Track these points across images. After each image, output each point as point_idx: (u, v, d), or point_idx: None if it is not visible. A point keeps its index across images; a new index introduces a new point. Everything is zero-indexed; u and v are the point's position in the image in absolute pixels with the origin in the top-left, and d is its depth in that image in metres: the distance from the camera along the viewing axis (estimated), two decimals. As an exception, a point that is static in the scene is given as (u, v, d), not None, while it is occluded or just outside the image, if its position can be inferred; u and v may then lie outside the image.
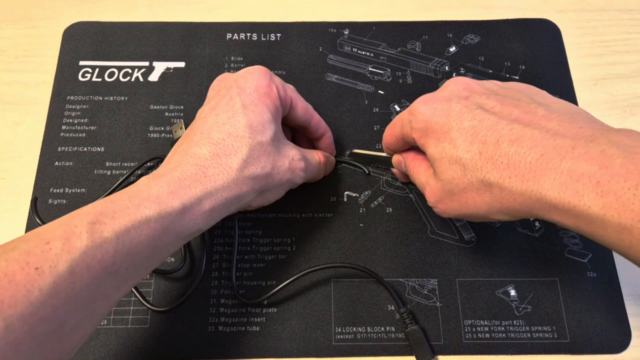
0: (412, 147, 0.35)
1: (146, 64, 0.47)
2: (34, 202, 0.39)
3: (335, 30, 0.48)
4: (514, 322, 0.37)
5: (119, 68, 0.46)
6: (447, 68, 0.46)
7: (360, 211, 0.41)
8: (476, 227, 0.40)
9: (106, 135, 0.43)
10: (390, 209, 0.41)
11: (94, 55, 0.47)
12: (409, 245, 0.40)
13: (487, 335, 0.37)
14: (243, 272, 0.39)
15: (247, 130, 0.31)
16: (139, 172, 0.42)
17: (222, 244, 0.40)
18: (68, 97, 0.45)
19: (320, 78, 0.46)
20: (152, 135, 0.44)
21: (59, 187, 0.41)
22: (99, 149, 0.43)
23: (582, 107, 0.29)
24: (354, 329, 0.37)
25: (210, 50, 0.47)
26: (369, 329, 0.37)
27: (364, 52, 0.47)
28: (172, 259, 0.39)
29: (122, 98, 0.45)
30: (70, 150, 0.43)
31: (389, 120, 0.44)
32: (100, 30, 0.48)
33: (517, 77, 0.46)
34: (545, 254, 0.39)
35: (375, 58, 0.47)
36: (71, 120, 0.44)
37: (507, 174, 0.26)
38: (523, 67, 0.46)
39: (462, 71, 0.46)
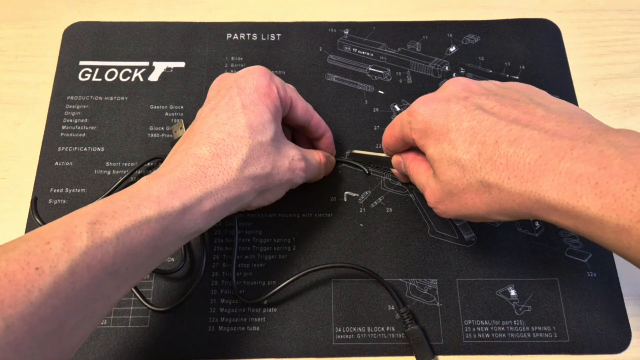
0: (412, 147, 0.35)
1: (146, 64, 0.47)
2: (34, 202, 0.39)
3: (335, 30, 0.48)
4: (514, 322, 0.37)
5: (119, 68, 0.46)
6: (447, 68, 0.46)
7: (360, 211, 0.41)
8: (476, 227, 0.40)
9: (106, 135, 0.43)
10: (390, 209, 0.41)
11: (94, 55, 0.47)
12: (409, 245, 0.40)
13: (487, 335, 0.37)
14: (243, 272, 0.39)
15: (247, 130, 0.31)
16: (139, 172, 0.42)
17: (222, 244, 0.40)
18: (68, 97, 0.45)
19: (320, 78, 0.46)
20: (152, 135, 0.44)
21: (59, 187, 0.42)
22: (99, 149, 0.43)
23: (582, 107, 0.29)
24: (354, 329, 0.37)
25: (210, 50, 0.47)
26: (369, 329, 0.37)
27: (364, 52, 0.47)
28: (172, 259, 0.39)
29: (122, 98, 0.45)
30: (70, 150, 0.43)
31: (389, 120, 0.44)
32: (100, 30, 0.48)
33: (517, 77, 0.46)
34: (545, 254, 0.39)
35: (375, 58, 0.47)
36: (71, 120, 0.44)
37: (506, 175, 0.26)
38: (523, 67, 0.46)
39: (462, 71, 0.46)
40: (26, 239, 0.23)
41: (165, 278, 0.39)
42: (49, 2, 0.50)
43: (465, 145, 0.28)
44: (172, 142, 0.41)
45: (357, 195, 0.42)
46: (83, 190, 0.41)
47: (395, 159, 0.38)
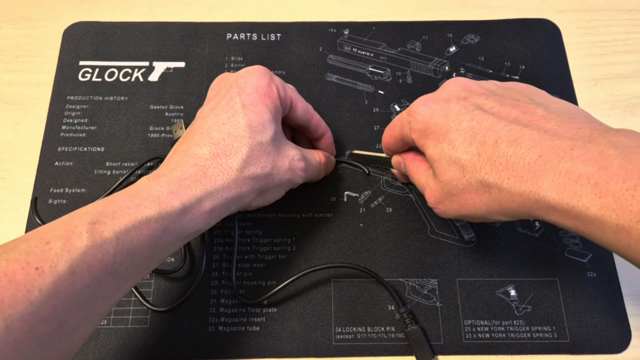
0: (412, 147, 0.35)
1: (146, 64, 0.47)
2: (34, 202, 0.39)
3: (335, 30, 0.48)
4: (514, 322, 0.37)
5: (119, 68, 0.46)
6: (447, 68, 0.46)
7: (360, 211, 0.41)
8: (476, 227, 0.40)
9: (106, 135, 0.43)
10: (390, 209, 0.41)
11: (94, 55, 0.47)
12: (409, 245, 0.40)
13: (487, 335, 0.37)
14: (243, 272, 0.39)
15: (247, 130, 0.31)
16: (139, 172, 0.42)
17: (222, 244, 0.40)
18: (68, 97, 0.45)
19: (320, 78, 0.46)
20: (152, 135, 0.44)
21: (59, 187, 0.42)
22: (99, 149, 0.43)
23: (582, 107, 0.29)
24: (354, 329, 0.37)
25: (210, 50, 0.47)
26: (369, 329, 0.37)
27: (364, 52, 0.47)
28: (172, 259, 0.39)
29: (122, 98, 0.45)
30: (70, 150, 0.43)
31: (389, 120, 0.44)
32: (100, 30, 0.48)
33: (517, 77, 0.46)
34: (545, 254, 0.39)
35: (375, 58, 0.47)
36: (71, 120, 0.44)
37: (505, 175, 0.26)
38: (523, 67, 0.46)
39: (462, 71, 0.46)
40: (26, 238, 0.23)
41: (165, 278, 0.39)
42: (49, 2, 0.50)
43: (465, 146, 0.28)
44: (172, 142, 0.41)
45: (357, 195, 0.42)
46: (83, 190, 0.41)
47: (395, 159, 0.38)
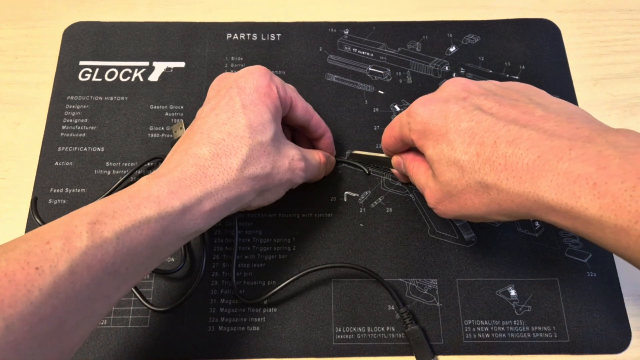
0: (411, 148, 0.35)
1: (146, 64, 0.47)
2: (34, 202, 0.39)
3: (335, 30, 0.48)
4: (514, 322, 0.37)
5: (119, 68, 0.46)
6: (447, 68, 0.46)
7: (360, 211, 0.41)
8: (476, 227, 0.40)
9: (106, 135, 0.43)
10: (390, 209, 0.41)
11: (94, 55, 0.47)
12: (409, 245, 0.40)
13: (487, 335, 0.37)
14: (243, 272, 0.39)
15: (247, 130, 0.31)
16: (139, 172, 0.42)
17: (222, 244, 0.40)
18: (68, 97, 0.45)
19: (320, 78, 0.46)
20: (152, 135, 0.44)
21: (59, 187, 0.42)
22: (99, 149, 0.43)
23: (582, 107, 0.29)
24: (354, 329, 0.37)
25: (210, 50, 0.47)
26: (369, 329, 0.37)
27: (364, 52, 0.47)
28: (172, 259, 0.39)
29: (122, 98, 0.45)
30: (70, 150, 0.43)
31: (389, 120, 0.44)
32: (100, 30, 0.48)
33: (517, 77, 0.46)
34: (545, 254, 0.39)
35: (375, 58, 0.47)
36: (71, 120, 0.44)
37: (504, 176, 0.26)
38: (523, 67, 0.46)
39: (462, 71, 0.46)
40: (26, 238, 0.23)
41: (165, 278, 0.39)
42: (49, 2, 0.50)
43: (464, 146, 0.28)
44: (172, 142, 0.41)
45: (357, 195, 0.42)
46: (83, 190, 0.41)
47: (395, 159, 0.38)
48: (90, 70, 0.46)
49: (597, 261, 0.39)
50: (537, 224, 0.40)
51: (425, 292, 0.38)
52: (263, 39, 0.48)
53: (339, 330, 0.37)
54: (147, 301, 0.37)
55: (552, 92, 0.31)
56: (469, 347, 0.37)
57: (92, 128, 0.44)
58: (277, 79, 0.35)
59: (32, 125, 0.44)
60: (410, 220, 0.41)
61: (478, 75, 0.46)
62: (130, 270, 0.26)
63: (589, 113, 0.27)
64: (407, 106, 0.35)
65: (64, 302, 0.23)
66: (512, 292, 0.38)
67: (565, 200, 0.23)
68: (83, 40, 0.48)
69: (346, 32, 0.48)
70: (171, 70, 0.46)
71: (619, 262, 0.39)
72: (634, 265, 0.22)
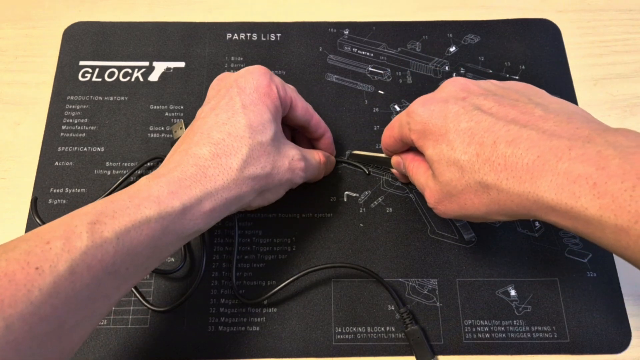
0: (411, 148, 0.35)
1: (146, 64, 0.47)
2: (34, 202, 0.39)
3: (335, 30, 0.48)
4: (514, 322, 0.37)
5: (119, 68, 0.46)
6: (447, 68, 0.46)
7: (360, 211, 0.41)
8: (476, 227, 0.40)
9: (106, 135, 0.44)
10: (390, 209, 0.41)
11: (94, 55, 0.47)
12: (409, 245, 0.40)
13: (487, 335, 0.37)
14: (243, 272, 0.39)
15: (247, 130, 0.31)
16: (139, 172, 0.42)
17: (222, 244, 0.40)
18: (68, 97, 0.45)
19: (320, 78, 0.46)
20: (152, 135, 0.44)
21: (59, 187, 0.42)
22: (99, 149, 0.43)
23: (582, 107, 0.29)
24: (354, 329, 0.37)
25: (210, 50, 0.47)
26: (369, 329, 0.37)
27: (364, 52, 0.47)
28: (172, 259, 0.39)
29: (122, 98, 0.45)
30: (70, 150, 0.43)
31: (389, 120, 0.44)
32: (100, 30, 0.48)
33: (517, 77, 0.46)
34: (545, 254, 0.39)
35: (375, 58, 0.47)
36: (71, 120, 0.44)
37: (504, 176, 0.26)
38: (523, 67, 0.46)
39: (462, 71, 0.46)
40: (26, 238, 0.23)
41: (165, 278, 0.39)
42: (49, 2, 0.50)
43: (464, 146, 0.28)
44: (172, 142, 0.41)
45: (357, 195, 0.42)
46: (83, 190, 0.41)
47: (395, 159, 0.38)
48: (90, 70, 0.46)
49: (597, 261, 0.39)
50: (537, 224, 0.40)
51: (425, 292, 0.38)
52: (263, 39, 0.48)
53: (339, 330, 0.37)
54: (147, 301, 0.37)
55: (552, 92, 0.31)
56: (469, 347, 0.37)
57: (92, 128, 0.44)
58: (277, 79, 0.35)
59: (32, 125, 0.44)
60: (410, 220, 0.41)
61: (478, 75, 0.46)
62: (130, 270, 0.26)
63: (588, 113, 0.27)
64: (407, 106, 0.35)
65: (64, 302, 0.23)
66: (512, 292, 0.38)
67: (565, 200, 0.23)
68: (83, 40, 0.48)
69: (346, 32, 0.48)
70: (171, 70, 0.46)
71: (619, 262, 0.39)
72: (633, 265, 0.22)
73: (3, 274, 0.21)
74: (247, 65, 0.42)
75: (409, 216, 0.41)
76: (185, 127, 0.41)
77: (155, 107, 0.45)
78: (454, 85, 0.31)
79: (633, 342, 0.37)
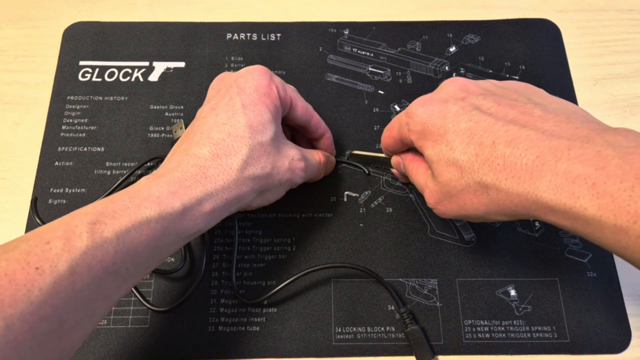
0: (411, 148, 0.35)
1: (146, 64, 0.47)
2: (34, 202, 0.39)
3: (335, 30, 0.48)
4: (514, 322, 0.37)
5: (119, 68, 0.46)
6: (447, 68, 0.46)
7: (360, 211, 0.41)
8: (476, 227, 0.40)
9: (106, 135, 0.44)
10: (390, 209, 0.41)
11: (94, 55, 0.47)
12: (409, 245, 0.40)
13: (487, 335, 0.37)
14: (243, 272, 0.39)
15: (247, 130, 0.31)
16: (139, 172, 0.42)
17: (222, 244, 0.40)
18: (68, 97, 0.45)
19: (320, 78, 0.46)
20: (152, 135, 0.44)
21: (59, 187, 0.42)
22: (99, 149, 0.43)
23: (582, 107, 0.29)
24: (354, 329, 0.37)
25: (210, 50, 0.47)
26: (369, 329, 0.37)
27: (364, 52, 0.47)
28: (172, 259, 0.39)
29: (122, 98, 0.45)
30: (70, 150, 0.43)
31: (389, 120, 0.44)
32: (100, 30, 0.48)
33: (517, 77, 0.46)
34: (545, 254, 0.39)
35: (375, 58, 0.47)
36: (71, 120, 0.44)
37: (503, 176, 0.26)
38: (523, 67, 0.46)
39: (462, 71, 0.46)
40: (26, 238, 0.23)
41: (165, 278, 0.39)
42: (49, 2, 0.50)
43: (463, 147, 0.28)
44: (172, 142, 0.41)
45: (357, 195, 0.42)
46: (83, 190, 0.41)
47: (395, 159, 0.38)
48: (90, 70, 0.46)
49: (597, 261, 0.39)
50: (537, 224, 0.40)
51: (425, 292, 0.38)
52: (263, 39, 0.48)
53: (339, 330, 0.37)
54: (147, 301, 0.37)
55: (552, 92, 0.30)
56: (469, 347, 0.37)
57: (92, 128, 0.44)
58: (277, 79, 0.35)
59: (32, 125, 0.44)
60: (410, 220, 0.41)
61: (478, 75, 0.46)
62: (130, 270, 0.26)
63: (588, 112, 0.27)
64: (407, 106, 0.35)
65: (64, 302, 0.23)
66: (512, 292, 0.38)
67: (564, 201, 0.23)
68: (83, 40, 0.48)
69: (346, 32, 0.48)
70: (171, 70, 0.46)
71: (619, 262, 0.39)
72: (633, 265, 0.22)
73: (3, 274, 0.21)
74: (247, 65, 0.42)
75: (409, 216, 0.41)
76: (185, 127, 0.41)
77: (155, 107, 0.45)
78: (453, 86, 0.31)
79: (633, 342, 0.37)
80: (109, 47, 0.47)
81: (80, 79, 0.46)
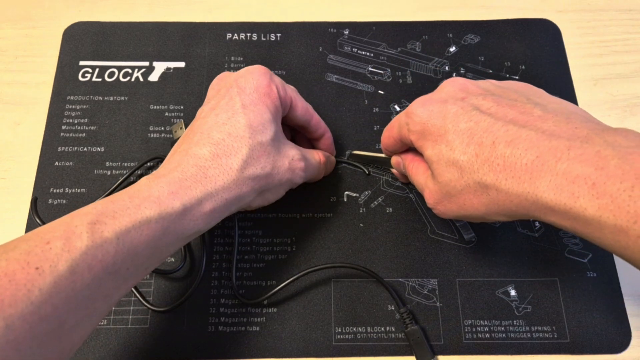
0: (411, 148, 0.35)
1: (146, 64, 0.47)
2: (34, 202, 0.39)
3: (335, 30, 0.48)
4: (514, 322, 0.37)
5: (119, 68, 0.46)
6: (447, 68, 0.46)
7: (360, 211, 0.41)
8: (476, 227, 0.40)
9: (106, 135, 0.44)
10: (390, 209, 0.41)
11: (94, 55, 0.47)
12: (409, 245, 0.40)
13: (487, 335, 0.37)
14: (243, 272, 0.39)
15: (247, 131, 0.31)
16: (139, 172, 0.42)
17: (222, 244, 0.40)
18: (68, 97, 0.45)
19: (320, 78, 0.46)
20: (152, 135, 0.44)
21: (59, 187, 0.42)
22: (99, 149, 0.43)
23: (582, 107, 0.29)
24: (354, 329, 0.37)
25: (210, 50, 0.47)
26: (369, 329, 0.37)
27: (364, 52, 0.47)
28: (172, 259, 0.39)
29: (122, 98, 0.45)
30: (70, 150, 0.43)
31: (389, 120, 0.44)
32: (100, 30, 0.48)
33: (517, 77, 0.46)
34: (545, 254, 0.39)
35: (375, 58, 0.47)
36: (71, 120, 0.44)
37: (503, 176, 0.26)
38: (523, 67, 0.46)
39: (462, 71, 0.46)
40: (26, 238, 0.23)
41: (165, 278, 0.39)
42: (49, 2, 0.50)
43: (463, 147, 0.28)
44: (172, 142, 0.41)
45: (357, 195, 0.42)
46: (83, 190, 0.41)
47: (395, 159, 0.38)
48: (90, 70, 0.46)
49: (597, 261, 0.39)
50: (537, 224, 0.40)
51: (425, 292, 0.38)
52: (263, 39, 0.48)
53: (339, 330, 0.37)
54: (147, 301, 0.37)
55: (552, 92, 0.31)
56: (469, 347, 0.37)
57: (92, 128, 0.44)
58: (277, 79, 0.35)
59: (32, 125, 0.44)
60: (410, 220, 0.41)
61: (478, 75, 0.46)
62: (130, 270, 0.26)
63: (587, 112, 0.27)
64: (407, 106, 0.35)
65: (64, 302, 0.23)
66: (512, 292, 0.38)
67: (564, 201, 0.23)
68: (83, 40, 0.48)
69: (346, 32, 0.48)
70: (171, 70, 0.46)
71: (619, 262, 0.39)
72: (633, 265, 0.22)
73: (3, 274, 0.21)
74: (247, 65, 0.42)
75: (409, 216, 0.41)
76: (185, 127, 0.41)
77: (155, 107, 0.45)
78: (453, 86, 0.31)
79: (633, 342, 0.37)
80: (109, 47, 0.47)
81: (80, 79, 0.46)
